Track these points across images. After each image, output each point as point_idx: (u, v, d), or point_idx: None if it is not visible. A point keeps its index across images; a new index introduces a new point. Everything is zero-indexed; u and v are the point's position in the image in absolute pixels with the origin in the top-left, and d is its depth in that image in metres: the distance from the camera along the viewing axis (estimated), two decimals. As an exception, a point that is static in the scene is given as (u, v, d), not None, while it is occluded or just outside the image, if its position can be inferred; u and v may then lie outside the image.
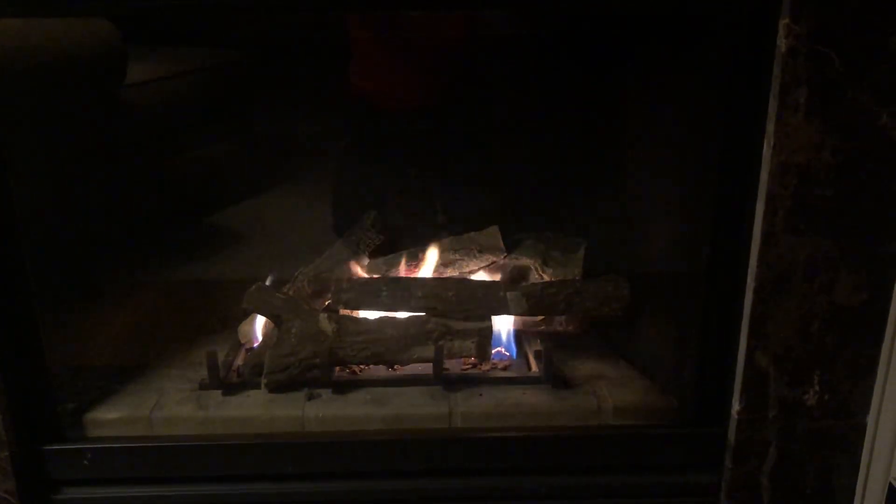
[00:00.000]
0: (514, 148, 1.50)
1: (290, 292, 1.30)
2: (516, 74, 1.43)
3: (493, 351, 1.26)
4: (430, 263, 1.35)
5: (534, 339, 1.30)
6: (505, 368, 1.26)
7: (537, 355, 1.25)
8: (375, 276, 1.34)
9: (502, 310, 1.25)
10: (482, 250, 1.35)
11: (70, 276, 1.20)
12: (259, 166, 1.72)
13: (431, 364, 1.20)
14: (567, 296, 1.23)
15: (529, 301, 1.23)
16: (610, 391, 1.19)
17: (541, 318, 1.34)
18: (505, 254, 1.37)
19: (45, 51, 1.16)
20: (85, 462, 1.11)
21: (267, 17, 1.37)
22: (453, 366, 1.25)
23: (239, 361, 1.27)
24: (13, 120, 1.03)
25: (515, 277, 1.36)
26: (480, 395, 1.19)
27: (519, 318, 1.30)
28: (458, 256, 1.35)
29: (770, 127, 0.95)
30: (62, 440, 1.12)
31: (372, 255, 1.38)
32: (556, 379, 1.21)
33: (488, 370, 1.25)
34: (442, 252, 1.36)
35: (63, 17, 1.18)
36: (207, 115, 1.66)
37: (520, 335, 1.31)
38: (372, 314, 1.27)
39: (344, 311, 1.27)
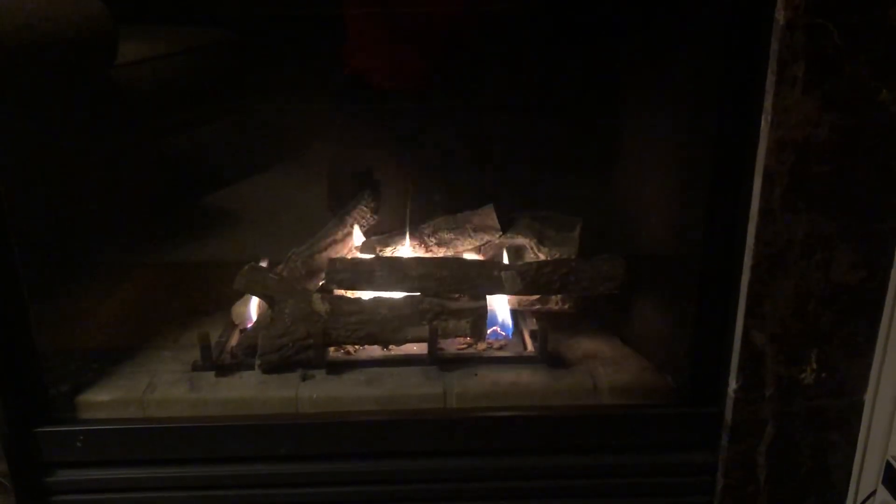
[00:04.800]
0: (510, 126, 1.48)
1: (284, 273, 1.29)
2: (512, 53, 1.42)
3: (489, 331, 1.25)
4: (423, 243, 1.34)
5: (529, 319, 1.30)
6: (500, 348, 1.25)
7: (533, 335, 1.25)
8: (369, 255, 1.33)
9: (497, 289, 1.24)
10: (477, 229, 1.34)
11: (61, 257, 1.19)
12: (253, 147, 1.71)
13: (426, 344, 1.20)
14: (562, 275, 1.22)
15: (524, 280, 1.22)
16: (606, 371, 1.19)
17: (536, 297, 1.33)
18: (500, 233, 1.35)
19: (32, 29, 1.14)
20: (78, 444, 1.10)
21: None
22: (448, 346, 1.24)
23: (232, 343, 1.26)
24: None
25: (511, 256, 1.35)
26: (475, 375, 1.18)
27: (514, 297, 1.30)
28: (452, 235, 1.34)
29: (767, 102, 0.93)
30: (55, 422, 1.11)
31: (366, 235, 1.37)
32: (551, 358, 1.21)
33: (483, 350, 1.25)
34: (436, 231, 1.35)
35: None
36: (200, 95, 1.64)
37: (515, 315, 1.30)
38: (366, 294, 1.26)
39: (338, 292, 1.26)
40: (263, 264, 1.31)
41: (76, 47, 1.27)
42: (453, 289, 1.23)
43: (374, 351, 1.24)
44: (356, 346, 1.25)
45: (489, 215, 1.35)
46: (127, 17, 1.34)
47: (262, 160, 1.69)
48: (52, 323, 1.13)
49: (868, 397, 1.07)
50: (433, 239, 1.34)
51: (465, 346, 1.26)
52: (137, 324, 1.33)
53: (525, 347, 1.25)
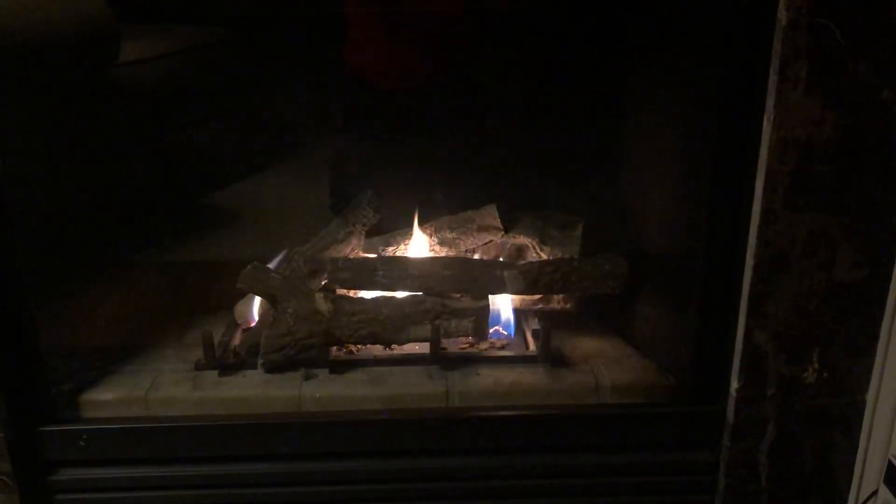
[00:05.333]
0: (513, 125, 1.48)
1: (287, 272, 1.29)
2: (514, 51, 1.42)
3: (491, 330, 1.26)
4: (426, 242, 1.34)
5: (531, 318, 1.30)
6: (502, 347, 1.26)
7: (535, 334, 1.25)
8: (372, 255, 1.33)
9: (499, 288, 1.24)
10: (479, 229, 1.34)
11: (64, 256, 1.19)
12: (255, 146, 1.71)
13: (428, 343, 1.20)
14: (564, 274, 1.22)
15: (527, 279, 1.22)
16: (608, 370, 1.19)
17: (538, 296, 1.33)
18: (502, 232, 1.35)
19: (34, 28, 1.14)
20: (81, 443, 1.11)
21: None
22: (451, 345, 1.24)
23: (235, 342, 1.26)
24: (0, 100, 1.02)
25: (513, 256, 1.35)
26: (478, 374, 1.19)
27: (516, 296, 1.30)
28: (455, 235, 1.34)
29: (769, 102, 0.94)
30: (58, 421, 1.12)
31: (368, 235, 1.37)
32: (553, 358, 1.21)
33: (486, 349, 1.25)
34: (439, 230, 1.35)
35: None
36: (202, 94, 1.64)
37: (517, 314, 1.30)
38: (368, 294, 1.26)
39: (340, 291, 1.26)
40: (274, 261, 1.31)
41: (77, 46, 1.27)
42: (455, 288, 1.23)
43: (377, 350, 1.24)
44: (359, 346, 1.25)
45: (491, 215, 1.35)
46: (128, 16, 1.35)
47: (266, 159, 1.70)
48: (56, 322, 1.13)
49: (870, 396, 1.07)
50: (435, 238, 1.34)
51: (467, 345, 1.26)
52: (140, 323, 1.33)
53: (527, 347, 1.26)
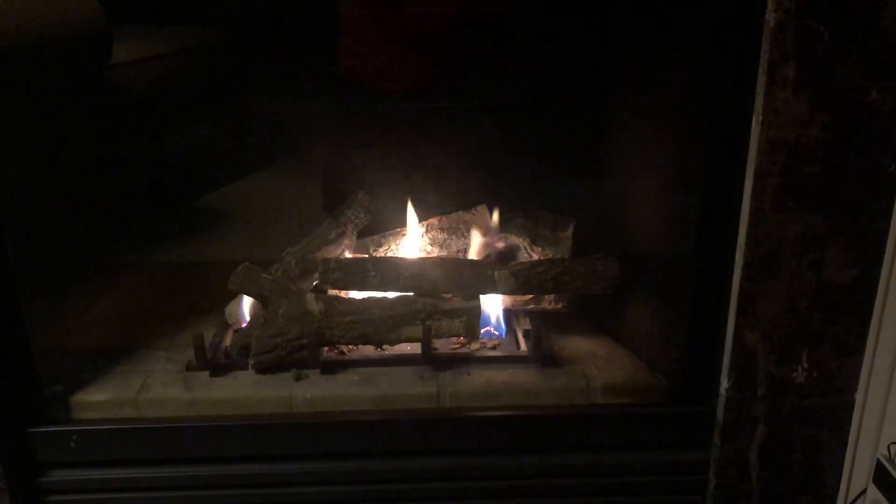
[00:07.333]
0: (504, 126, 1.48)
1: (278, 273, 1.29)
2: (506, 53, 1.42)
3: (482, 330, 1.26)
4: (418, 243, 1.34)
5: (523, 318, 1.30)
6: (493, 348, 1.26)
7: (526, 334, 1.25)
8: (363, 256, 1.33)
9: (491, 289, 1.24)
10: (471, 229, 1.34)
11: (56, 257, 1.19)
12: (247, 147, 1.71)
13: (420, 344, 1.20)
14: (556, 275, 1.23)
15: (518, 280, 1.22)
16: (599, 370, 1.19)
17: (530, 297, 1.33)
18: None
19: (26, 30, 1.14)
20: (71, 444, 1.11)
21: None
22: (442, 345, 1.25)
23: (226, 343, 1.26)
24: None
25: (504, 256, 1.35)
26: (469, 374, 1.19)
27: (508, 297, 1.30)
28: (446, 235, 1.34)
29: (758, 103, 0.94)
30: (48, 423, 1.12)
31: (360, 235, 1.37)
32: (544, 358, 1.21)
33: (477, 350, 1.25)
34: (430, 231, 1.35)
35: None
36: (195, 95, 1.64)
37: (508, 314, 1.30)
38: (360, 294, 1.26)
39: (331, 292, 1.26)
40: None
41: (71, 47, 1.27)
42: (447, 288, 1.23)
43: (368, 351, 1.24)
44: (350, 346, 1.25)
45: (483, 215, 1.35)
46: (122, 16, 1.34)
47: (258, 160, 1.69)
48: (47, 323, 1.13)
49: (859, 396, 1.08)
50: (427, 239, 1.34)
51: (458, 345, 1.26)
52: (131, 324, 1.33)
53: (518, 347, 1.26)
